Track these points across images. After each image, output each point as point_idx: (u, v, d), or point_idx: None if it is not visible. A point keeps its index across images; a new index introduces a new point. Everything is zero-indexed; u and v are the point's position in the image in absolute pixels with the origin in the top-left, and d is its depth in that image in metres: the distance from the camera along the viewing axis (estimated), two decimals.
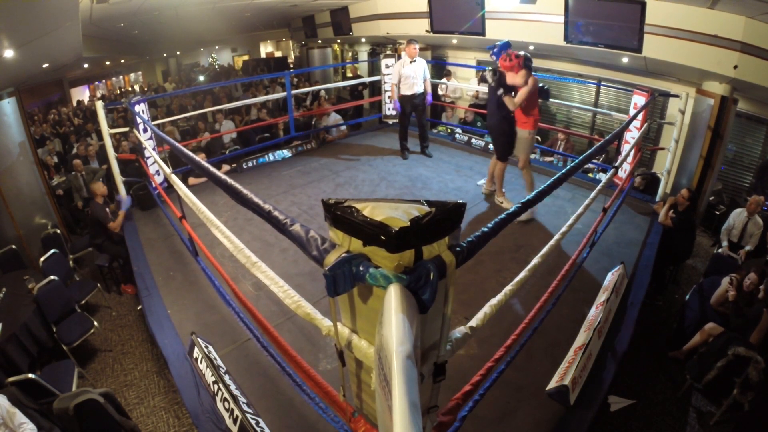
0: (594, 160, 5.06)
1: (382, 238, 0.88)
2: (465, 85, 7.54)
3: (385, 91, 6.66)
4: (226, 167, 5.73)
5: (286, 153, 6.05)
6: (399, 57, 7.37)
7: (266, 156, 5.87)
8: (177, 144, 2.36)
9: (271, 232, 3.44)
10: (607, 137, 2.70)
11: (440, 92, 7.87)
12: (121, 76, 15.09)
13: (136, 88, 14.92)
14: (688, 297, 3.67)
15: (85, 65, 10.65)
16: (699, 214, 4.88)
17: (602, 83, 6.23)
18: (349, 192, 4.85)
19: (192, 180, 5.12)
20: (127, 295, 4.50)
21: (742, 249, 4.22)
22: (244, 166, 5.64)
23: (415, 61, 5.22)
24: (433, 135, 6.91)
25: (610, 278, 3.11)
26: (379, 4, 7.61)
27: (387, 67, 6.44)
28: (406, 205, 0.97)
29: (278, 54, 16.91)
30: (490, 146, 5.96)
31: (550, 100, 6.29)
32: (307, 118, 7.55)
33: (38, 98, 11.46)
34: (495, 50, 3.94)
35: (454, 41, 7.17)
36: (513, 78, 3.85)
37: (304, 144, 6.25)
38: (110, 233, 4.33)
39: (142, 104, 4.58)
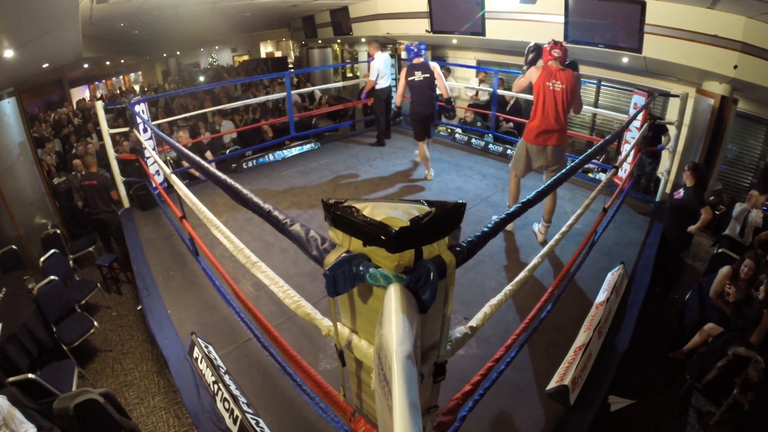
0: (594, 160, 5.06)
1: (382, 238, 0.88)
2: (462, 84, 7.54)
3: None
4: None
5: (285, 153, 6.05)
6: (399, 56, 7.37)
7: (266, 156, 5.87)
8: (177, 144, 2.36)
9: (271, 232, 3.43)
10: (607, 137, 2.70)
11: (437, 91, 7.86)
12: (121, 76, 15.09)
13: (136, 88, 14.92)
14: (688, 297, 3.67)
15: (85, 65, 10.64)
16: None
17: (602, 83, 6.23)
18: (349, 192, 4.85)
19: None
20: (127, 295, 4.50)
21: (743, 245, 4.22)
22: (244, 166, 5.64)
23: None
24: (433, 135, 6.91)
25: (610, 278, 3.11)
26: (379, 4, 7.60)
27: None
28: (406, 205, 0.97)
29: (278, 54, 16.91)
30: (491, 146, 5.99)
31: None
32: (307, 118, 7.55)
33: (38, 98, 11.45)
34: (415, 49, 4.51)
35: (454, 41, 7.16)
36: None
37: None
38: (112, 201, 4.74)
39: (142, 104, 4.58)
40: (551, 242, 2.04)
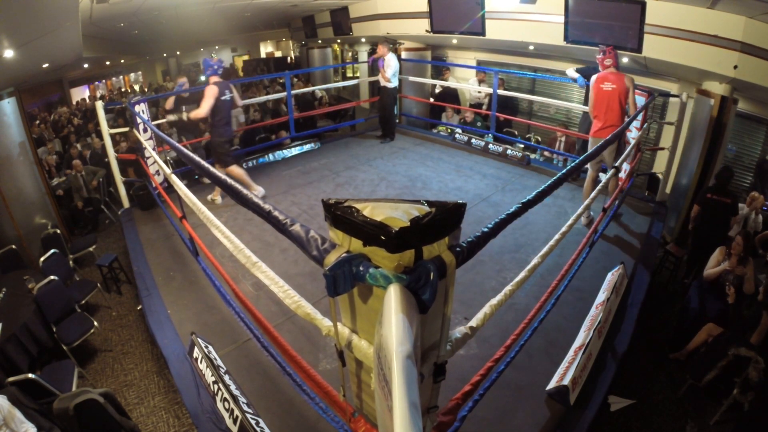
0: None
1: (382, 238, 0.88)
2: (465, 85, 7.53)
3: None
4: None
5: (286, 153, 6.05)
6: (399, 56, 7.37)
7: (266, 156, 5.87)
8: (177, 144, 2.36)
9: (271, 232, 3.44)
10: (607, 137, 2.71)
11: (437, 91, 7.89)
12: (121, 76, 15.09)
13: (136, 88, 14.93)
14: (687, 296, 3.67)
15: (85, 65, 10.64)
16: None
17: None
18: (349, 192, 4.85)
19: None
20: (127, 295, 4.49)
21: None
22: (244, 166, 5.63)
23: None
24: (433, 135, 6.92)
25: (610, 278, 3.11)
26: (379, 4, 7.60)
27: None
28: (406, 205, 0.97)
29: (278, 54, 16.91)
30: (491, 146, 5.99)
31: (550, 100, 6.35)
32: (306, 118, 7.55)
33: (38, 98, 11.45)
34: (215, 66, 4.28)
35: (454, 41, 7.16)
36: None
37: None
38: None
39: (142, 104, 4.58)
40: (551, 242, 2.04)
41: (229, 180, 1.58)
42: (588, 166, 4.02)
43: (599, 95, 3.85)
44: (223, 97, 4.20)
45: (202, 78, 4.23)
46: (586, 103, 4.84)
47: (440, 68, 8.14)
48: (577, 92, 6.82)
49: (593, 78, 3.91)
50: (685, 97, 4.40)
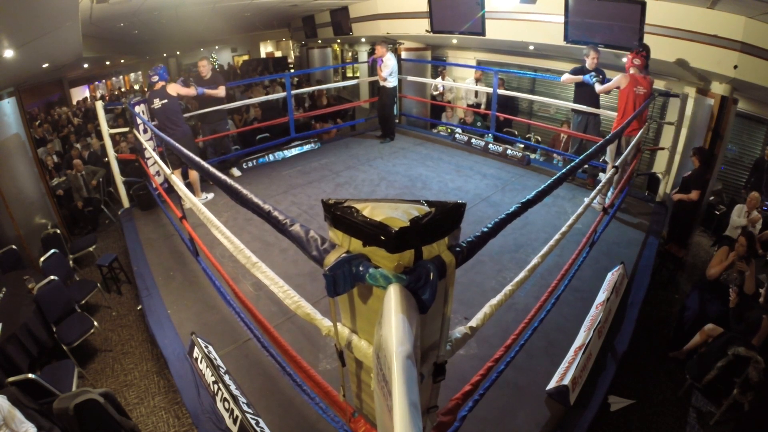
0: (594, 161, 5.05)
1: (382, 238, 0.88)
2: (463, 84, 7.53)
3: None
4: (238, 173, 5.53)
5: (286, 153, 6.05)
6: (399, 56, 7.38)
7: (266, 156, 5.87)
8: (176, 144, 2.36)
9: (271, 232, 3.43)
10: (607, 137, 2.71)
11: (434, 92, 7.90)
12: (121, 76, 15.09)
13: (136, 88, 14.93)
14: (687, 297, 3.67)
15: (85, 65, 10.64)
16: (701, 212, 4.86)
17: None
18: (349, 192, 4.85)
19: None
20: (127, 295, 4.49)
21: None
22: (244, 166, 5.64)
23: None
24: (433, 135, 6.92)
25: (610, 278, 3.11)
26: (379, 4, 7.60)
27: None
28: (406, 205, 0.97)
29: (278, 54, 16.91)
30: (490, 146, 5.98)
31: (551, 99, 6.35)
32: (306, 118, 7.56)
33: (38, 98, 11.45)
34: (151, 74, 4.37)
35: (454, 41, 7.16)
36: None
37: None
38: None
39: (142, 105, 4.58)
40: (551, 242, 2.04)
41: (228, 180, 1.58)
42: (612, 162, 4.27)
43: (632, 98, 3.95)
44: (151, 105, 4.39)
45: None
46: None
47: (438, 68, 8.15)
48: None
49: (623, 78, 3.96)
50: (685, 97, 4.40)
